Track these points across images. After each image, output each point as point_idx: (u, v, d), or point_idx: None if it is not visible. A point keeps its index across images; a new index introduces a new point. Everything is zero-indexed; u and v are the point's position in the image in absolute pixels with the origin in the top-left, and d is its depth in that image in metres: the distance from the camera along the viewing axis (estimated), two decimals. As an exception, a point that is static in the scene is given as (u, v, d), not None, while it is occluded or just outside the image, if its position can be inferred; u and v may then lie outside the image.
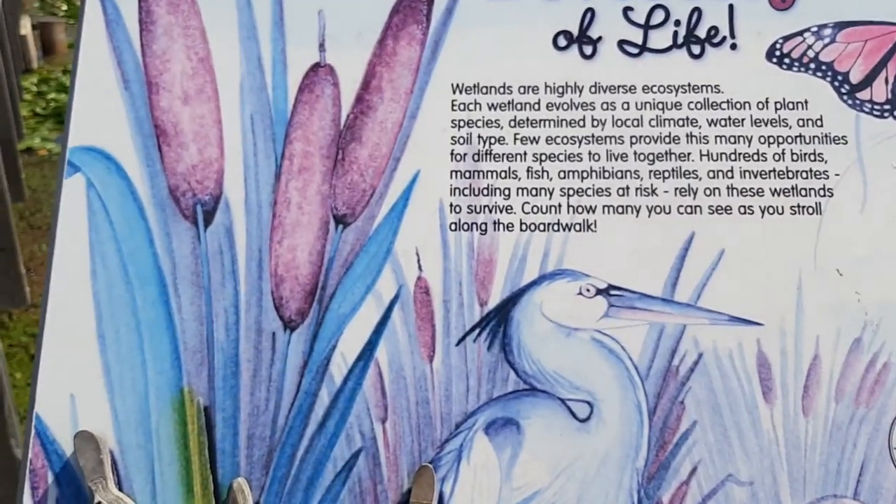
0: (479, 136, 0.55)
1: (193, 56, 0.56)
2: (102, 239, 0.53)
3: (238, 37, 0.56)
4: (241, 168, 0.54)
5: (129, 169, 0.54)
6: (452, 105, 0.55)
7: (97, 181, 0.53)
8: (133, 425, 0.50)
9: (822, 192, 0.53)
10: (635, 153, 0.54)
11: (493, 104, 0.55)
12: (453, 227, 0.53)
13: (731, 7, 0.57)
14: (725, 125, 0.54)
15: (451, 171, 0.54)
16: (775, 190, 0.53)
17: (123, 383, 0.51)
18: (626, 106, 0.55)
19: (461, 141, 0.55)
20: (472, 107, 0.55)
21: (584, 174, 0.54)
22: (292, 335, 0.51)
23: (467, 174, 0.54)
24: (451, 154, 0.54)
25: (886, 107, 0.55)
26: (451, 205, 0.54)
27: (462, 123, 0.55)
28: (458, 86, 0.56)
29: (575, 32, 0.56)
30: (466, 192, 0.54)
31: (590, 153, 0.54)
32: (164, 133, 0.54)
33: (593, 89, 0.55)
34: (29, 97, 2.97)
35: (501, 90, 0.56)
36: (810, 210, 0.53)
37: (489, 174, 0.54)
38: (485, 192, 0.54)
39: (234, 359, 0.51)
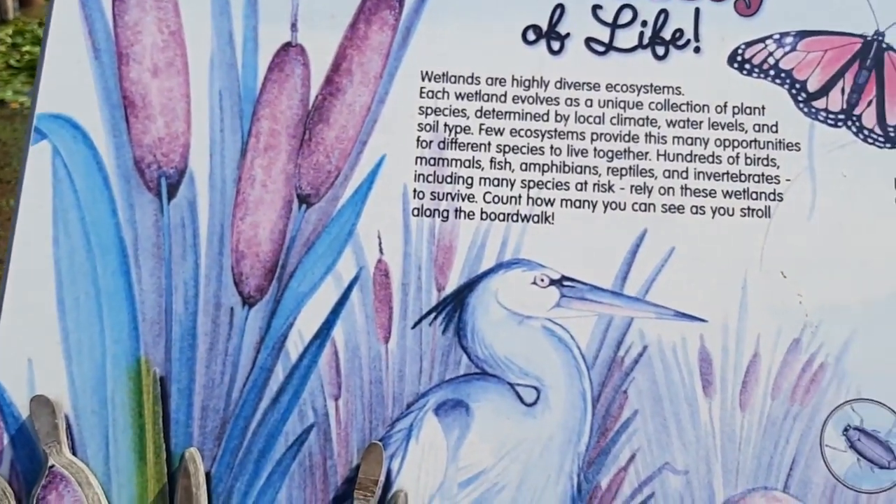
0: (446, 125, 0.56)
1: (165, 29, 0.56)
2: (66, 207, 0.53)
3: (210, 12, 0.56)
4: (208, 143, 0.54)
5: (95, 138, 0.54)
6: (421, 92, 0.56)
7: (63, 149, 0.54)
8: (89, 392, 0.51)
9: (772, 197, 0.55)
10: (595, 150, 0.55)
11: (460, 93, 0.56)
12: (416, 212, 0.54)
13: (697, 10, 0.58)
14: (684, 127, 0.56)
15: (417, 158, 0.55)
16: (727, 192, 0.55)
17: (81, 350, 0.51)
18: (589, 103, 0.56)
19: (428, 128, 0.56)
20: (439, 95, 0.56)
21: (545, 167, 0.55)
22: (250, 311, 0.52)
23: (432, 161, 0.55)
24: (418, 140, 0.55)
25: (841, 116, 0.57)
26: (414, 190, 0.55)
27: (429, 111, 0.56)
28: (427, 73, 0.57)
29: (544, 27, 0.57)
30: (430, 178, 0.55)
31: (552, 147, 0.56)
32: (132, 104, 0.55)
33: (559, 84, 0.57)
34: (3, 49, 2.91)
35: (469, 80, 0.57)
36: (760, 213, 0.55)
37: (453, 162, 0.55)
38: (448, 179, 0.55)
39: (191, 331, 0.52)
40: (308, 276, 0.53)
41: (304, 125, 0.55)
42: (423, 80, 0.56)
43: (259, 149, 0.54)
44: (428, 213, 0.54)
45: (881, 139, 0.56)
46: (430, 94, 0.56)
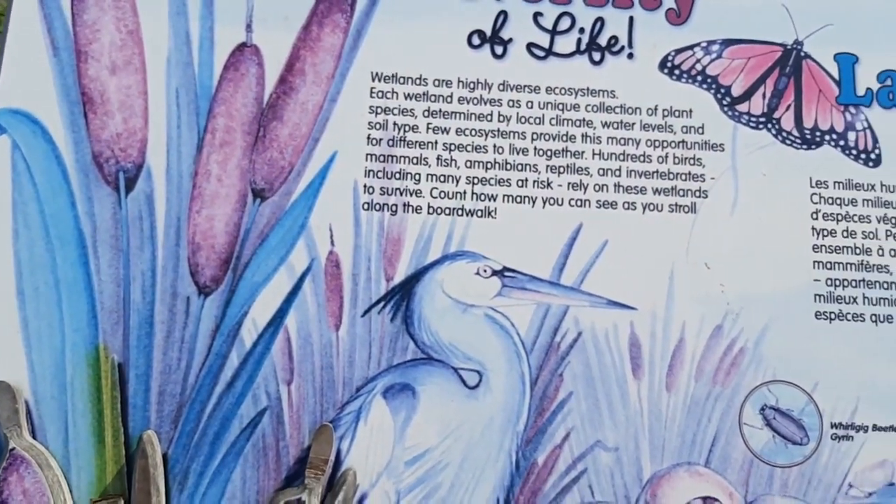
0: (395, 123, 0.59)
1: (123, 28, 0.58)
2: (25, 200, 0.55)
3: (168, 12, 0.58)
4: (165, 139, 0.57)
5: (54, 133, 0.56)
6: (371, 92, 0.59)
7: (23, 143, 0.55)
8: (49, 378, 0.53)
9: (697, 194, 0.59)
10: (535, 148, 0.59)
11: (409, 94, 0.59)
12: (366, 206, 0.57)
13: (631, 19, 0.62)
14: (617, 128, 0.60)
15: (367, 154, 0.58)
16: (657, 189, 0.59)
17: (41, 338, 0.53)
18: (530, 104, 0.60)
19: (377, 126, 0.59)
20: (389, 95, 0.59)
21: (489, 165, 0.59)
22: (206, 300, 0.55)
23: (382, 158, 0.58)
24: (368, 138, 0.58)
25: (762, 119, 0.61)
26: (364, 185, 0.58)
27: (379, 110, 0.59)
28: (377, 74, 0.59)
29: (488, 32, 0.61)
30: (380, 174, 0.58)
31: (495, 146, 0.59)
32: (90, 101, 0.57)
33: (501, 87, 0.60)
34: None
35: (418, 81, 0.59)
36: (686, 209, 0.59)
37: (402, 159, 0.58)
38: (397, 175, 0.58)
39: (148, 320, 0.54)
40: (262, 267, 0.55)
41: (259, 122, 0.57)
42: (373, 80, 0.59)
43: (215, 145, 0.57)
44: (378, 207, 0.57)
45: (798, 141, 0.61)
46: (380, 94, 0.59)
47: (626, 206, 0.58)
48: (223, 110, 0.57)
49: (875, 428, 0.57)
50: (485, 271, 0.57)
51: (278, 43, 0.59)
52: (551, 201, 0.58)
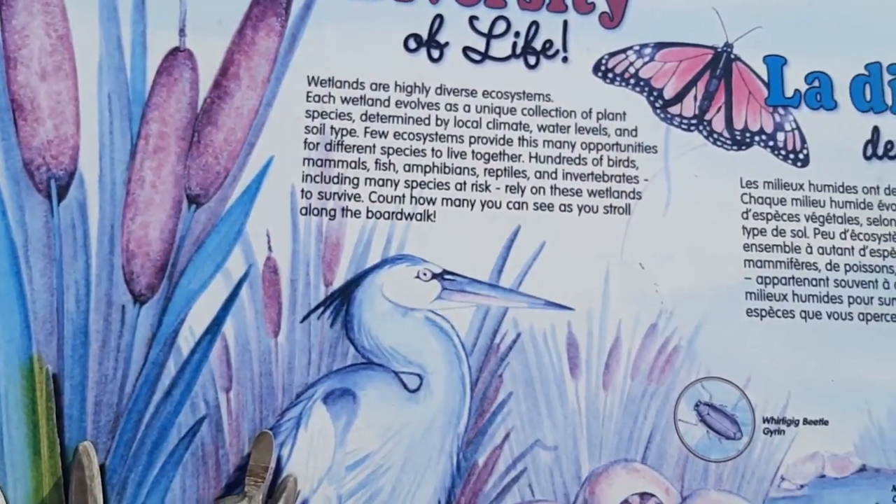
0: (332, 128, 0.59)
1: (53, 33, 0.57)
2: (-48, 209, 0.53)
3: (98, 17, 0.57)
4: (97, 145, 0.56)
5: (-19, 141, 0.55)
6: (307, 96, 0.59)
7: (-52, 152, 0.54)
8: (-20, 391, 0.52)
9: (632, 195, 0.60)
10: (473, 152, 0.59)
11: (346, 98, 0.59)
12: (304, 211, 0.57)
13: (565, 23, 0.62)
14: (553, 131, 0.60)
15: (304, 159, 0.58)
16: (592, 191, 0.60)
17: (-29, 350, 0.52)
18: (467, 108, 0.60)
19: (314, 130, 0.58)
20: (326, 99, 0.59)
21: (427, 168, 0.59)
22: (142, 308, 0.54)
23: (319, 162, 0.58)
24: (305, 142, 0.58)
25: (693, 121, 0.62)
26: (302, 190, 0.57)
27: (316, 114, 0.59)
28: (313, 78, 0.59)
29: (424, 36, 0.61)
30: (318, 179, 0.58)
31: (433, 149, 0.59)
32: (20, 108, 0.55)
33: (439, 91, 0.60)
34: None
35: (354, 85, 0.60)
36: (621, 210, 0.60)
37: (340, 163, 0.58)
38: (335, 180, 0.58)
39: (83, 329, 0.53)
40: (198, 274, 0.55)
41: (193, 128, 0.57)
42: (309, 84, 0.59)
43: (148, 151, 0.56)
44: (316, 212, 0.57)
45: (729, 142, 0.62)
46: (317, 98, 0.59)
47: (562, 207, 0.59)
48: (156, 116, 0.57)
49: (806, 422, 0.58)
50: (425, 275, 0.57)
51: (212, 47, 0.58)
52: (489, 204, 0.59)
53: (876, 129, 0.64)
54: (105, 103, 0.56)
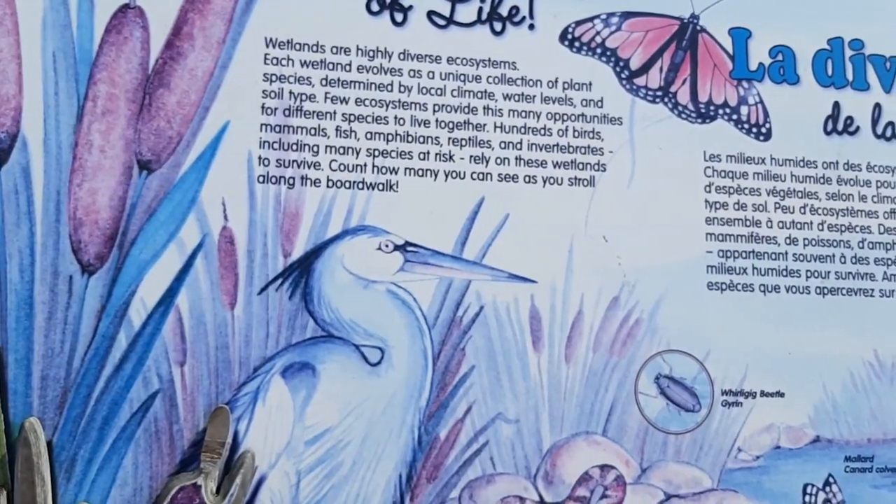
0: (291, 92, 0.57)
1: (-10, -15, 0.53)
2: None
3: (41, -31, 0.54)
4: (41, 107, 0.53)
5: (-87, 100, 0.51)
6: (265, 59, 0.57)
7: None
8: (-84, 365, 0.49)
9: (596, 167, 0.60)
10: (437, 120, 0.58)
11: (305, 61, 0.57)
12: (261, 179, 0.55)
13: (532, -11, 0.61)
14: (518, 100, 0.59)
15: (262, 125, 0.56)
16: (556, 163, 0.59)
17: None
18: (431, 75, 0.58)
19: (272, 95, 0.56)
20: (284, 62, 0.57)
21: (390, 137, 0.57)
22: (90, 279, 0.52)
23: (277, 128, 0.56)
24: (262, 107, 0.56)
25: (658, 93, 0.62)
26: (259, 157, 0.55)
27: (274, 78, 0.56)
28: (271, 40, 0.57)
29: (387, -1, 0.59)
30: (276, 145, 0.56)
31: (395, 117, 0.58)
32: (-45, 64, 0.52)
33: (402, 56, 0.58)
34: None
35: (314, 48, 0.57)
36: (585, 182, 0.59)
37: (299, 130, 0.56)
38: (294, 147, 0.56)
39: (28, 300, 0.51)
40: (150, 244, 0.53)
41: (144, 90, 0.54)
42: (267, 46, 0.57)
43: (96, 113, 0.53)
44: (274, 180, 0.55)
45: (694, 115, 0.62)
46: (275, 61, 0.57)
47: (526, 179, 0.58)
48: (105, 76, 0.54)
49: (763, 394, 0.59)
50: (387, 246, 0.56)
51: (164, 5, 0.55)
52: (453, 175, 0.58)
53: (836, 105, 0.65)
54: (49, 62, 0.53)
